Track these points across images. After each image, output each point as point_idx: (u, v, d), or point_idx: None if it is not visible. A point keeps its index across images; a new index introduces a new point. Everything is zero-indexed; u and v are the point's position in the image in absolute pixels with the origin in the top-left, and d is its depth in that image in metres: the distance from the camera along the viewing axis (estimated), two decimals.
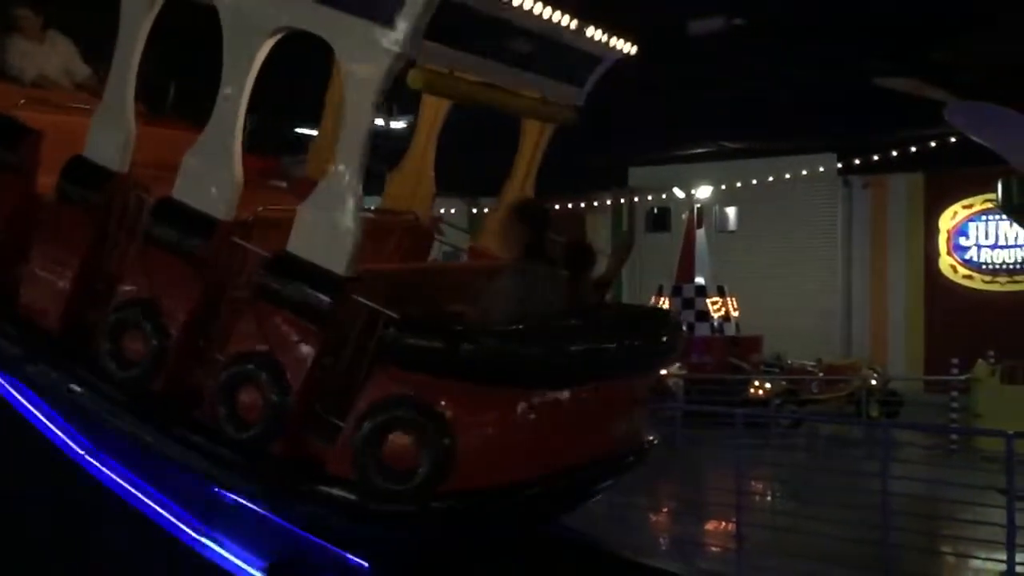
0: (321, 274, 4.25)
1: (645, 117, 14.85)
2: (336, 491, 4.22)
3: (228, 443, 4.36)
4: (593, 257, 4.84)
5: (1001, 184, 9.31)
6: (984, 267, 20.36)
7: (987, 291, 20.20)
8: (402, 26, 4.11)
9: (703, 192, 21.03)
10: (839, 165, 20.08)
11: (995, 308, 19.30)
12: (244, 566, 4.57)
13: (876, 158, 18.34)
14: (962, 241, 20.62)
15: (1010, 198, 9.20)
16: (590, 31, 4.92)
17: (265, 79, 4.58)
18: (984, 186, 16.06)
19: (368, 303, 4.28)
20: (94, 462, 4.85)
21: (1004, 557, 7.44)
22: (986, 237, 20.37)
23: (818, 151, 19.81)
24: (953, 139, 14.49)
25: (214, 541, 4.65)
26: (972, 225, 20.53)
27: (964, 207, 20.55)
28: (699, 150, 20.48)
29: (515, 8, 4.45)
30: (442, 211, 6.35)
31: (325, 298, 4.25)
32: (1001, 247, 20.17)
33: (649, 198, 22.41)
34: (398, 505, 4.15)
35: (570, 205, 20.98)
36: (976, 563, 8.08)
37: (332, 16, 4.27)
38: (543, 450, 4.34)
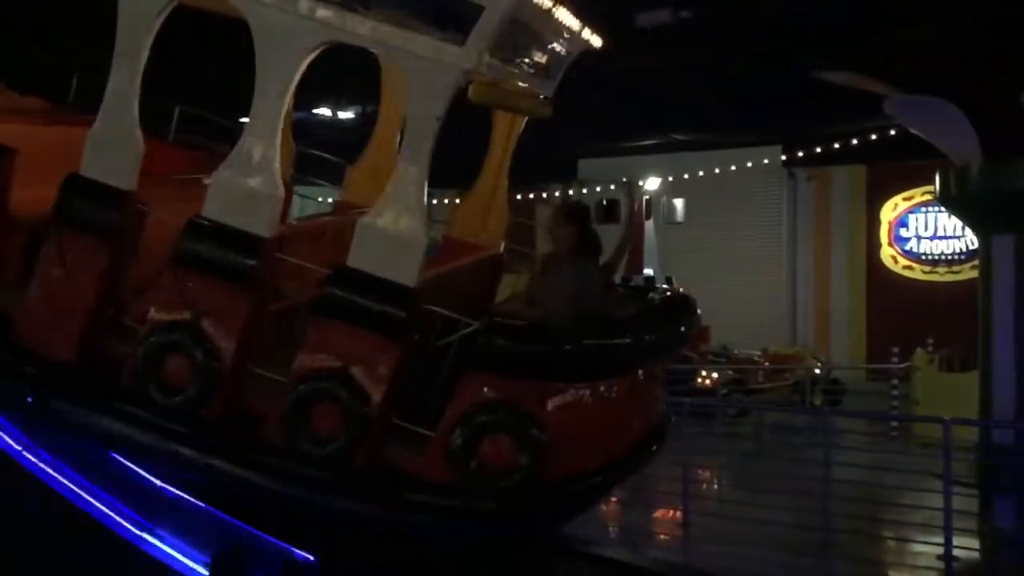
0: (391, 287, 4.26)
1: (594, 109, 14.89)
2: (436, 497, 4.32)
3: (308, 461, 4.30)
4: (601, 244, 5.03)
5: (939, 176, 9.49)
6: (924, 258, 20.81)
7: (926, 281, 20.66)
8: (474, 45, 4.22)
9: (651, 184, 21.19)
10: (783, 157, 20.37)
11: (934, 298, 19.75)
12: (187, 561, 4.51)
13: (819, 150, 18.64)
14: (902, 232, 21.06)
15: (948, 190, 9.37)
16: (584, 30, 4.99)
17: (196, 65, 4.50)
18: (924, 178, 16.40)
19: (447, 312, 4.38)
20: (31, 459, 4.74)
21: (942, 540, 7.64)
22: (926, 228, 20.82)
23: (764, 144, 20.08)
24: (893, 132, 14.78)
25: (156, 537, 4.58)
26: (912, 217, 20.97)
27: (904, 199, 20.98)
28: (648, 142, 20.61)
29: (552, 17, 4.55)
30: None
31: (399, 311, 4.27)
32: (940, 238, 20.64)
33: (598, 189, 22.53)
34: (501, 503, 4.33)
35: (519, 196, 20.99)
36: (916, 547, 8.26)
37: (397, 34, 4.28)
38: (613, 435, 4.61)
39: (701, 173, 20.36)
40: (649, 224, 18.89)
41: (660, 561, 7.64)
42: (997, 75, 8.30)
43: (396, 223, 4.29)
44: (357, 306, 4.29)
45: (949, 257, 20.50)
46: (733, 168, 20.03)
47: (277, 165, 4.47)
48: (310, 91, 5.18)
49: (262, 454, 4.35)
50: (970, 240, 18.02)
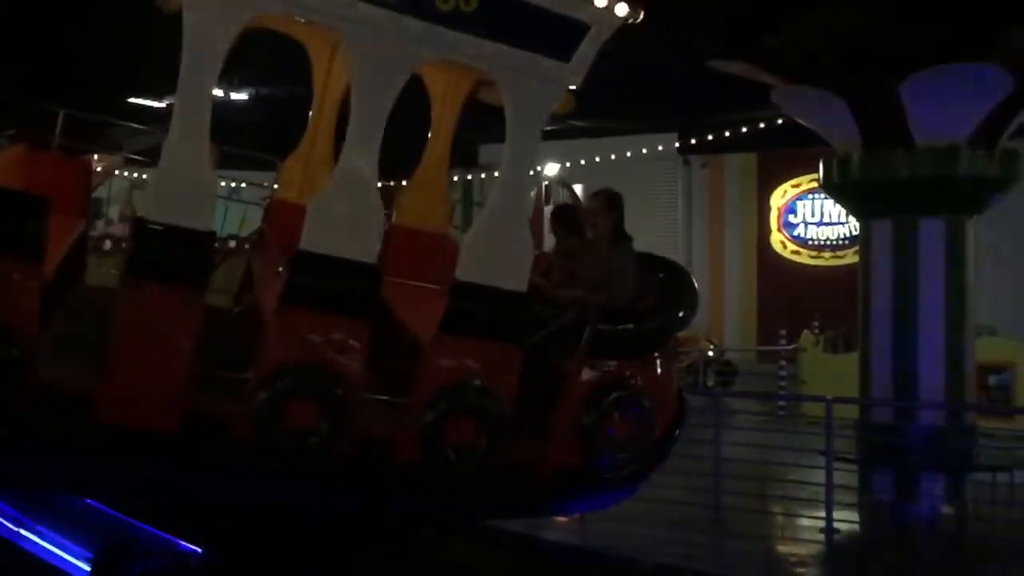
0: (506, 295, 4.46)
1: None
2: (570, 479, 4.73)
3: (452, 475, 4.44)
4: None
5: (822, 164, 9.82)
6: (811, 243, 21.58)
7: (813, 266, 21.44)
8: (578, 62, 4.53)
9: (550, 169, 21.32)
10: (678, 145, 20.77)
11: (820, 282, 20.51)
12: (69, 558, 4.35)
13: (712, 138, 19.08)
14: (791, 218, 21.79)
15: (830, 177, 9.69)
16: None
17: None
18: (810, 166, 17.00)
19: (553, 310, 4.68)
20: None
21: (824, 514, 7.97)
22: (812, 215, 21.60)
23: (660, 131, 20.42)
24: (780, 121, 15.23)
25: (36, 534, 4.40)
26: (800, 203, 21.71)
27: (793, 186, 21.70)
28: (546, 128, 20.70)
29: None
30: None
31: (517, 317, 4.48)
32: (826, 224, 21.44)
33: (496, 174, 22.56)
34: (630, 469, 4.91)
35: None
36: (801, 521, 8.60)
37: (502, 51, 4.43)
38: (669, 403, 5.20)
39: (598, 159, 20.60)
40: (548, 210, 19.02)
41: (557, 542, 7.75)
42: (876, 68, 8.62)
43: (504, 236, 4.51)
44: (478, 319, 4.45)
45: (834, 242, 21.31)
46: (629, 155, 20.32)
47: (377, 193, 4.39)
48: None
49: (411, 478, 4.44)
50: (854, 226, 18.73)
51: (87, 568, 4.35)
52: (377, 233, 4.39)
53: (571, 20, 4.47)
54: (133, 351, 4.02)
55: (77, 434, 3.95)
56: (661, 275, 5.46)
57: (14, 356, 3.77)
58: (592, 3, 4.51)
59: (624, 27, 4.62)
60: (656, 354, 5.10)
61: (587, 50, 4.52)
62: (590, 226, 5.41)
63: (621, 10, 4.56)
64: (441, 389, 4.36)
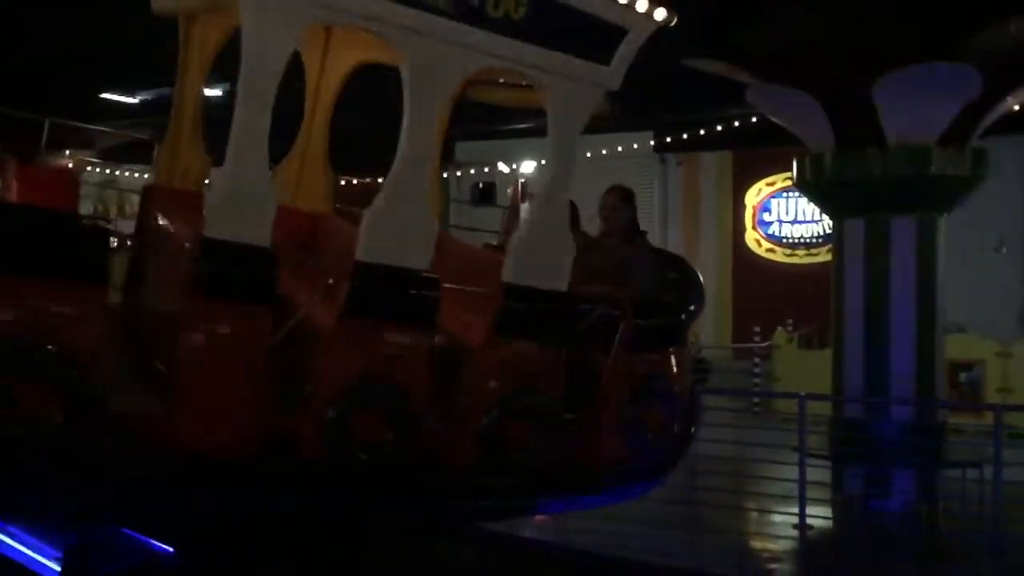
0: (551, 297, 4.55)
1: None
2: (619, 470, 4.93)
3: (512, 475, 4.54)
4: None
5: (796, 163, 9.89)
6: (785, 241, 21.72)
7: (787, 264, 21.58)
8: (618, 65, 4.64)
9: (527, 166, 21.33)
10: (653, 143, 20.83)
11: (794, 279, 20.64)
12: (38, 557, 4.30)
13: (687, 137, 19.15)
14: (765, 216, 21.91)
15: (803, 176, 9.78)
16: None
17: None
18: (784, 164, 17.11)
19: (596, 308, 4.76)
20: None
21: (797, 510, 8.04)
22: (787, 213, 21.73)
23: (635, 130, 20.47)
24: (755, 119, 15.33)
25: (4, 533, 4.35)
26: (774, 201, 21.84)
27: (767, 184, 21.82)
28: (523, 126, 20.72)
29: None
30: None
31: (563, 317, 4.57)
32: (800, 222, 21.58)
33: (472, 172, 22.56)
34: (668, 457, 5.13)
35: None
36: (774, 517, 8.67)
37: (548, 57, 4.50)
38: (684, 391, 5.35)
39: None
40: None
41: (534, 540, 7.76)
42: (849, 68, 8.69)
43: (548, 237, 4.62)
44: (528, 323, 4.50)
45: (808, 240, 21.46)
46: (605, 152, 20.36)
47: (429, 199, 4.45)
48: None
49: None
50: (827, 224, 18.87)
51: (57, 568, 4.31)
52: (433, 240, 4.36)
53: (612, 25, 4.59)
54: (210, 373, 3.91)
55: (152, 464, 3.84)
56: (670, 268, 5.53)
57: (85, 385, 3.66)
58: (633, 8, 4.60)
59: (659, 29, 4.74)
60: (672, 348, 5.25)
61: (625, 53, 4.62)
62: (604, 220, 5.48)
63: (659, 14, 4.67)
64: (494, 392, 4.42)
